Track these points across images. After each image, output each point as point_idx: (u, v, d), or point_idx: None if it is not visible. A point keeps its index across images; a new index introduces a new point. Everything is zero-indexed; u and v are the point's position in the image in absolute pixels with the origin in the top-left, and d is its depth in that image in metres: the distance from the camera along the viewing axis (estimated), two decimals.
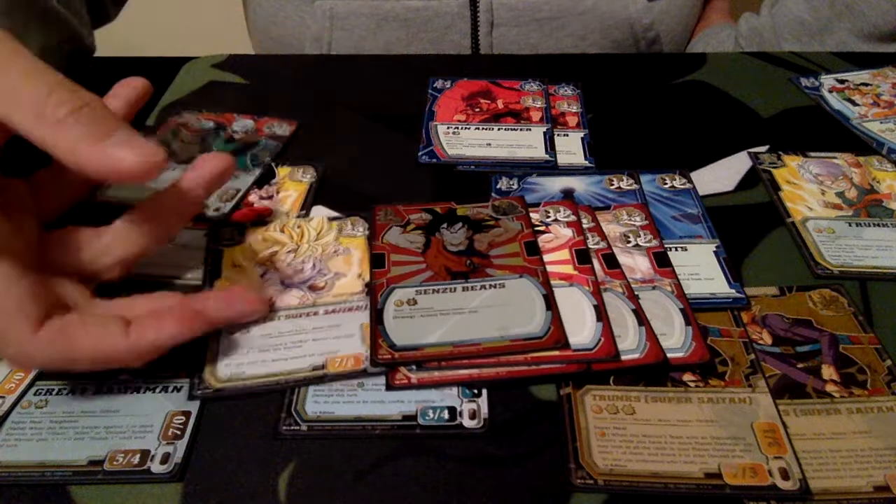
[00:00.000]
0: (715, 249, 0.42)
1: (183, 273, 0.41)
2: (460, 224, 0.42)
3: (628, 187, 0.47)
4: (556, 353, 0.34)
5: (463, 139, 0.52)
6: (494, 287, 0.38)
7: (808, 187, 0.47)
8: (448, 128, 0.53)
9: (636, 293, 0.38)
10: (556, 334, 0.35)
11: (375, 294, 0.38)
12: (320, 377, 0.35)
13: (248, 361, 0.35)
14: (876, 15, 0.63)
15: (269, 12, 0.72)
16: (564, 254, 0.40)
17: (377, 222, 0.43)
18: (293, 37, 0.72)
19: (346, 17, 0.69)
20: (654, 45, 0.72)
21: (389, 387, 0.34)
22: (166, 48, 0.66)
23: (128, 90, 0.40)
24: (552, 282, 0.38)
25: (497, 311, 0.36)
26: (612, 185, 0.47)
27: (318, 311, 0.38)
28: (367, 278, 0.40)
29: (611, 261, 0.40)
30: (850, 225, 0.44)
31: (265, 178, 0.49)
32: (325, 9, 0.69)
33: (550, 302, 0.37)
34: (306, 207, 0.46)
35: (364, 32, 0.69)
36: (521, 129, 0.53)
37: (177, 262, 0.41)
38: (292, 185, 0.48)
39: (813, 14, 0.67)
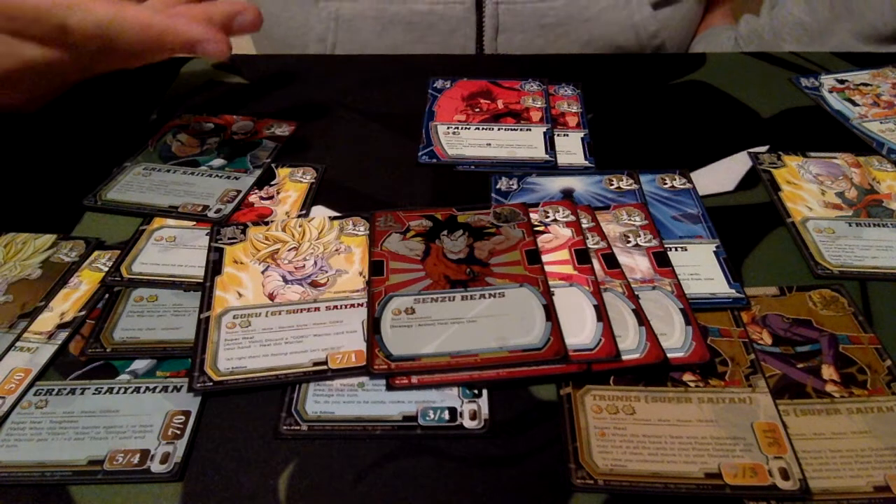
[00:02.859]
0: (715, 249, 0.42)
1: (185, 271, 0.41)
2: (461, 231, 0.42)
3: (628, 187, 0.47)
4: (555, 366, 0.34)
5: (463, 139, 0.52)
6: (494, 296, 0.38)
7: (808, 187, 0.47)
8: (448, 128, 0.53)
9: (636, 293, 0.38)
10: (555, 346, 0.35)
11: (373, 302, 0.38)
12: (321, 372, 0.35)
13: (249, 356, 0.35)
14: (875, 16, 0.63)
15: (272, 12, 0.72)
16: (564, 254, 0.40)
17: (377, 229, 0.43)
18: (296, 37, 0.72)
19: (351, 20, 0.69)
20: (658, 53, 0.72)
21: (390, 387, 0.34)
22: None
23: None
24: (552, 282, 0.38)
25: (496, 321, 0.36)
26: (612, 185, 0.47)
27: (319, 307, 0.38)
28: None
29: (611, 261, 0.40)
30: (850, 225, 0.44)
31: (265, 179, 0.49)
32: (329, 10, 0.68)
33: (550, 312, 0.37)
34: (306, 207, 0.46)
35: (369, 35, 0.69)
36: (521, 129, 0.53)
37: (179, 260, 0.41)
38: (292, 185, 0.48)
39: (812, 16, 0.67)
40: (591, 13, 0.68)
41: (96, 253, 0.43)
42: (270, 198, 0.47)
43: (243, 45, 0.83)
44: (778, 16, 0.69)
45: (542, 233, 0.42)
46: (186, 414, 0.33)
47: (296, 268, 0.41)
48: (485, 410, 0.33)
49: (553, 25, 0.68)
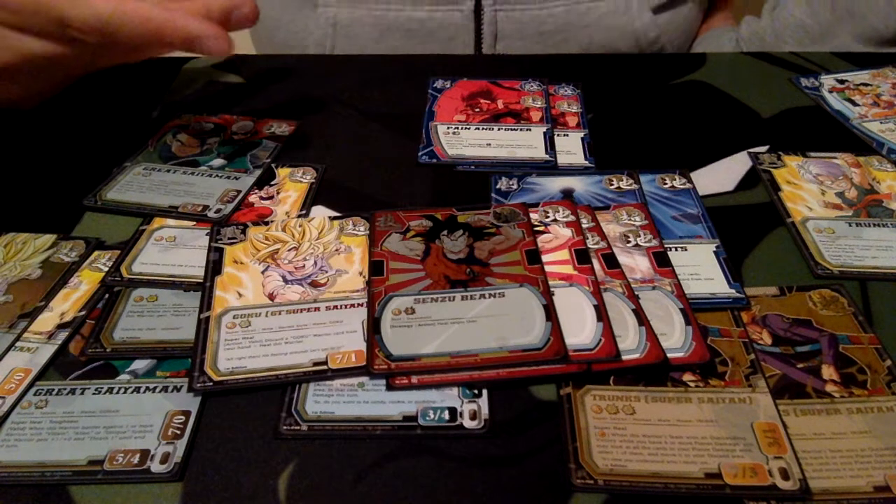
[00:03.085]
0: (715, 249, 0.42)
1: (185, 271, 0.41)
2: (461, 231, 0.42)
3: (628, 187, 0.47)
4: (555, 366, 0.34)
5: (463, 139, 0.52)
6: (494, 296, 0.38)
7: (808, 187, 0.47)
8: (448, 128, 0.53)
9: (636, 293, 0.38)
10: (555, 346, 0.35)
11: (373, 302, 0.38)
12: (321, 372, 0.35)
13: (249, 356, 0.35)
14: (877, 19, 0.63)
15: (271, 17, 0.72)
16: (564, 254, 0.40)
17: (377, 229, 0.43)
18: (295, 41, 0.72)
19: (349, 25, 0.68)
20: None
21: (390, 387, 0.34)
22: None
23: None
24: (552, 282, 0.38)
25: (496, 321, 0.36)
26: (612, 185, 0.47)
27: (319, 307, 0.38)
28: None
29: (611, 261, 0.40)
30: (850, 225, 0.44)
31: (265, 179, 0.49)
32: (328, 16, 0.68)
33: (550, 312, 0.36)
34: (306, 207, 0.46)
35: (366, 41, 0.69)
36: (521, 129, 0.53)
37: (179, 260, 0.41)
38: (292, 185, 0.48)
39: (814, 18, 0.67)
40: (591, 19, 0.68)
41: (96, 253, 0.43)
42: (270, 198, 0.47)
43: (243, 46, 0.84)
44: (779, 17, 0.69)
45: (542, 233, 0.42)
46: (186, 414, 0.33)
47: (296, 268, 0.41)
48: (485, 410, 0.33)
49: (552, 32, 0.68)
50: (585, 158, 0.50)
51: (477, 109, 0.56)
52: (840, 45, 0.66)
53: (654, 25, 0.69)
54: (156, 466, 0.31)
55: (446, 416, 0.33)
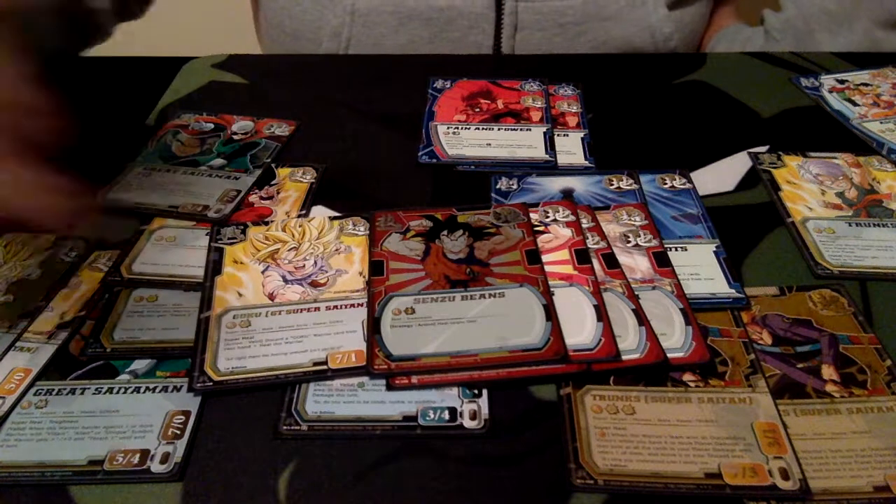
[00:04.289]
0: (715, 249, 0.42)
1: (185, 271, 0.41)
2: (461, 231, 0.42)
3: (628, 187, 0.47)
4: (555, 366, 0.34)
5: (463, 139, 0.52)
6: (494, 296, 0.38)
7: (808, 187, 0.47)
8: (448, 128, 0.53)
9: (636, 293, 0.38)
10: (555, 345, 0.35)
11: (373, 302, 0.38)
12: (321, 372, 0.35)
13: (249, 356, 0.35)
14: (892, 2, 0.63)
15: (283, 5, 0.71)
16: (564, 254, 0.40)
17: (377, 229, 0.43)
18: (310, 31, 0.71)
19: (367, 14, 0.68)
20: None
21: (390, 387, 0.34)
22: (166, 48, 0.66)
23: None
24: (552, 282, 0.38)
25: (496, 320, 0.36)
26: (612, 185, 0.47)
27: (319, 307, 0.38)
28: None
29: (611, 261, 0.40)
30: (850, 225, 0.44)
31: (265, 179, 0.49)
32: (345, 4, 0.68)
33: (550, 312, 0.36)
34: (306, 207, 0.46)
35: (385, 30, 0.68)
36: (521, 129, 0.53)
37: (179, 260, 0.41)
38: (292, 185, 0.48)
39: (837, 3, 0.67)
40: (609, 13, 0.68)
41: (96, 253, 0.43)
42: (270, 198, 0.47)
43: (247, 40, 0.83)
44: (804, 5, 0.69)
45: (542, 233, 0.42)
46: (186, 414, 0.33)
47: (296, 268, 0.41)
48: (485, 410, 0.33)
49: (571, 24, 0.68)
50: (585, 158, 0.50)
51: (477, 109, 0.56)
52: (863, 30, 0.65)
53: (670, 21, 0.69)
54: (156, 466, 0.31)
55: (446, 416, 0.33)
